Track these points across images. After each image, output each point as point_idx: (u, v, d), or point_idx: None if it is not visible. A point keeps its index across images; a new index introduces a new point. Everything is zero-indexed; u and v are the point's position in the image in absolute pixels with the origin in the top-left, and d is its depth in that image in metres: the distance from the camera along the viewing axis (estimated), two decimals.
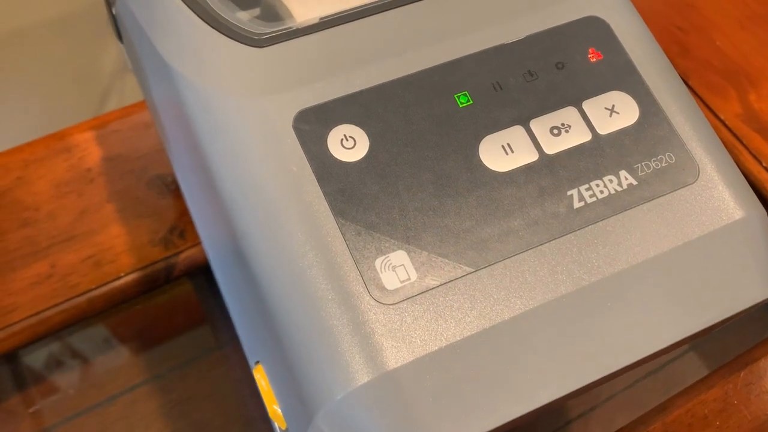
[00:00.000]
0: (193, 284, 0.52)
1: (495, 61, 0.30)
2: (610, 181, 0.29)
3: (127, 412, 0.49)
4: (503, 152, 0.29)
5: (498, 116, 0.29)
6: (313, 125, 0.28)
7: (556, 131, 0.30)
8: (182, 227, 0.45)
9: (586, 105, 0.30)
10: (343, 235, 0.27)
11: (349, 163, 0.28)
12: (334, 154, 0.28)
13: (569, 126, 0.30)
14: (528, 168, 0.29)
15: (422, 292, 0.27)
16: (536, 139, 0.29)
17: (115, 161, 0.47)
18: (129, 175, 0.46)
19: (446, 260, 0.27)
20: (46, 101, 0.87)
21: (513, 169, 0.29)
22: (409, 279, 0.27)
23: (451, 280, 0.27)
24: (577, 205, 0.28)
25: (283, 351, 0.27)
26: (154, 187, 0.45)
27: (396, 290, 0.27)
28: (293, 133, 0.28)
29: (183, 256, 0.44)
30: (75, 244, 0.45)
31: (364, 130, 0.29)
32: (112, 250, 0.45)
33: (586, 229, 0.28)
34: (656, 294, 0.28)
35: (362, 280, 0.26)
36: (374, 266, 0.27)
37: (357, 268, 0.27)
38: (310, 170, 0.28)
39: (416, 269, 0.27)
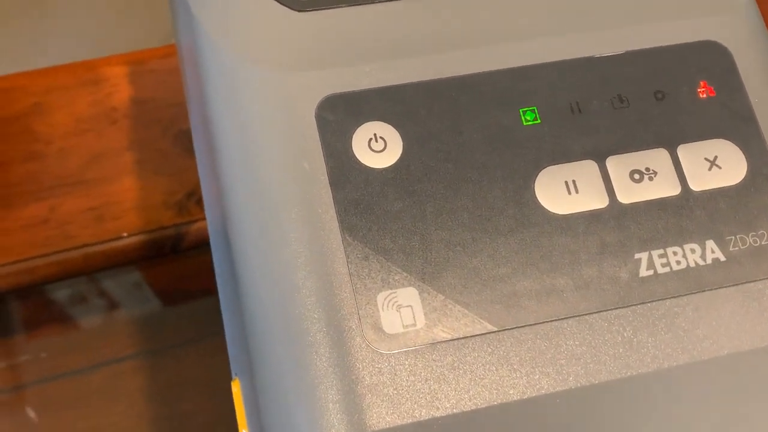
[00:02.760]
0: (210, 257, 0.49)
1: (579, 76, 0.26)
2: (692, 251, 0.25)
3: (109, 385, 0.47)
4: (565, 190, 0.25)
5: (568, 144, 0.26)
6: (339, 116, 0.25)
7: (637, 176, 0.26)
8: (201, 194, 0.42)
9: (682, 150, 0.26)
10: (347, 255, 0.24)
11: (373, 169, 0.25)
12: (357, 156, 0.25)
13: (655, 172, 0.26)
14: (592, 215, 0.25)
15: (427, 345, 0.23)
16: (610, 181, 0.25)
17: (145, 105, 0.45)
18: (156, 125, 0.44)
19: (465, 311, 0.24)
20: (115, 18, 0.85)
21: (573, 214, 0.25)
22: (414, 325, 0.23)
23: (466, 337, 0.24)
24: (644, 273, 0.25)
25: (254, 377, 0.25)
26: (180, 143, 0.43)
27: (396, 336, 0.23)
28: (314, 121, 0.25)
29: (196, 226, 0.42)
30: (81, 191, 0.43)
31: (399, 132, 0.25)
32: (120, 205, 0.42)
33: (650, 305, 0.24)
34: (720, 403, 0.24)
35: (357, 315, 0.23)
36: (375, 301, 0.24)
37: (354, 300, 0.23)
38: (325, 170, 0.25)
39: (426, 314, 0.24)
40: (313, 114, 0.25)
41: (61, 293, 0.47)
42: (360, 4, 0.27)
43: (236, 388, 0.28)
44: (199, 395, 0.46)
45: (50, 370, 0.46)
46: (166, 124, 0.44)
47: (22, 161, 0.43)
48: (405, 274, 0.24)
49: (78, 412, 0.45)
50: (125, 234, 0.42)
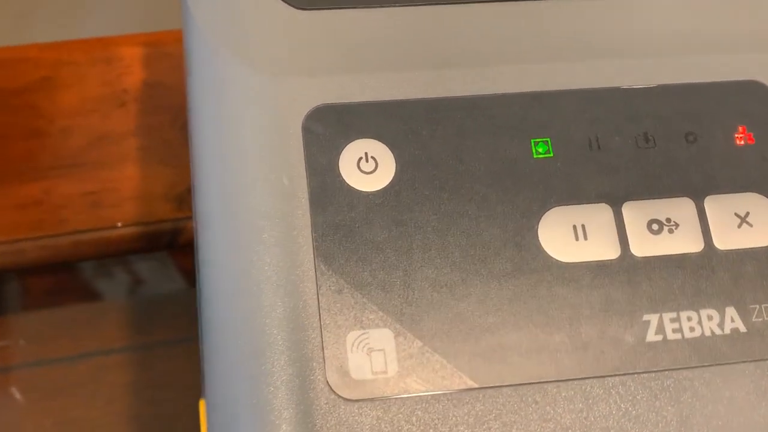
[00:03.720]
0: None
1: (602, 108, 0.24)
2: (709, 317, 0.22)
3: (94, 377, 0.45)
4: (572, 235, 0.22)
5: (582, 184, 0.23)
6: (329, 129, 0.23)
7: (655, 227, 0.23)
8: None
9: (710, 202, 0.23)
10: (319, 286, 0.21)
11: (359, 191, 0.22)
12: (343, 175, 0.22)
13: (676, 224, 0.23)
14: (600, 267, 0.22)
15: (396, 396, 0.21)
16: (625, 229, 0.23)
17: (155, 90, 0.42)
18: (165, 112, 0.42)
19: (444, 361, 0.21)
20: None
21: (579, 262, 0.22)
22: (385, 372, 0.21)
23: (443, 392, 0.21)
24: (651, 337, 0.22)
25: (208, 402, 0.22)
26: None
27: (362, 382, 0.21)
28: (300, 133, 0.22)
29: None
30: (79, 174, 0.41)
31: (393, 152, 0.23)
32: (117, 193, 0.40)
33: (654, 374, 0.22)
34: None
35: (322, 354, 0.21)
36: (344, 341, 0.21)
37: (321, 337, 0.21)
38: (306, 188, 0.22)
39: (399, 361, 0.21)
40: (300, 124, 0.23)
41: (52, 277, 0.45)
42: (369, 7, 0.24)
43: (202, 408, 0.26)
44: (184, 397, 0.44)
45: (35, 355, 0.44)
46: (175, 113, 0.42)
47: (22, 137, 0.41)
48: (381, 314, 0.21)
49: (57, 402, 0.43)
50: (120, 224, 0.40)
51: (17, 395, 0.44)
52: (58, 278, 0.47)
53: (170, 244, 0.41)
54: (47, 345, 0.46)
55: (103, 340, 0.46)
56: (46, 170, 0.41)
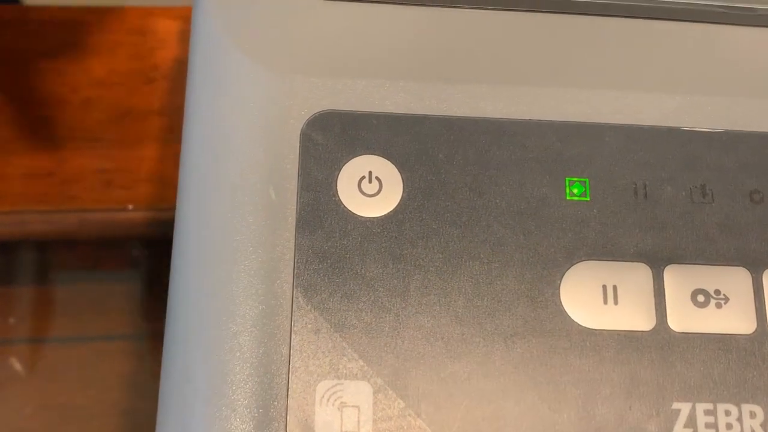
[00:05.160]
0: None
1: (656, 150, 0.20)
2: (752, 414, 0.18)
3: (89, 361, 0.43)
4: (601, 296, 0.19)
5: (620, 237, 0.19)
6: (331, 139, 0.19)
7: (701, 298, 0.19)
8: None
9: None
10: (293, 322, 0.18)
11: (357, 216, 0.19)
12: (340, 195, 0.19)
13: (726, 298, 0.19)
14: (630, 338, 0.19)
15: None
16: (664, 297, 0.19)
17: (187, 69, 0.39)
18: None
19: (428, 430, 0.18)
20: None
21: (604, 330, 0.19)
22: None
23: None
24: (679, 429, 0.18)
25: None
26: None
27: None
28: (298, 140, 0.19)
29: None
30: (95, 149, 0.38)
31: (402, 174, 0.19)
32: (133, 174, 0.38)
33: None
34: None
35: (286, 404, 0.18)
36: (314, 390, 0.18)
37: (287, 382, 0.18)
38: (294, 205, 0.19)
39: (375, 423, 0.18)
40: (299, 130, 0.19)
41: (62, 253, 0.43)
42: (400, 4, 0.21)
43: None
44: None
45: (30, 331, 0.42)
46: None
47: (42, 104, 0.38)
48: (361, 363, 0.18)
49: (47, 384, 0.41)
50: (131, 206, 0.37)
51: (18, 365, 0.42)
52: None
53: None
54: (51, 322, 0.44)
55: (107, 324, 0.43)
56: (61, 141, 0.38)
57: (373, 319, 0.18)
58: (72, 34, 0.41)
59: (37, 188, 0.38)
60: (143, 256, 0.44)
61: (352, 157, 0.19)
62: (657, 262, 0.19)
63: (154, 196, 0.38)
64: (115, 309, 0.44)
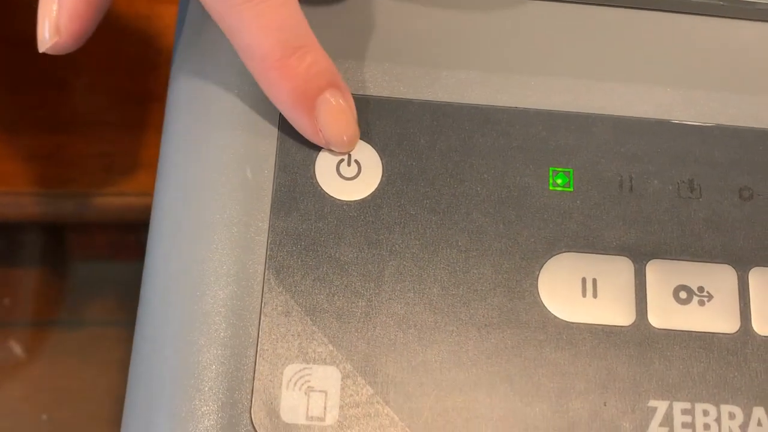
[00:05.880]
0: None
1: (644, 142, 0.20)
2: (731, 415, 0.18)
3: (87, 346, 0.42)
4: (580, 289, 0.18)
5: (602, 230, 0.19)
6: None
7: (684, 294, 0.19)
8: None
9: (756, 276, 0.19)
10: (264, 303, 0.18)
11: (334, 199, 0.19)
12: (318, 177, 0.19)
13: (710, 296, 0.19)
14: (608, 332, 0.18)
15: None
16: (645, 292, 0.19)
17: None
18: None
19: (395, 417, 0.17)
20: None
21: (582, 324, 0.18)
22: (322, 419, 0.17)
23: None
24: (655, 429, 0.18)
25: (125, 411, 0.19)
26: None
27: (293, 427, 0.17)
28: (277, 121, 0.19)
29: None
30: (97, 132, 0.38)
31: (382, 159, 0.19)
32: (133, 159, 0.37)
33: None
34: None
35: (251, 387, 0.17)
36: (280, 374, 0.17)
37: (254, 365, 0.17)
38: (271, 186, 0.19)
39: (341, 409, 0.17)
40: (279, 111, 0.19)
41: (62, 237, 0.43)
42: None
43: None
44: None
45: (31, 314, 0.42)
46: None
47: (44, 85, 0.38)
48: (330, 348, 0.18)
49: (45, 367, 0.41)
50: (129, 192, 0.37)
51: (18, 349, 0.42)
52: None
53: None
54: (44, 305, 0.43)
55: (105, 309, 0.43)
56: (62, 124, 0.38)
57: (346, 304, 0.18)
58: None
59: (35, 170, 0.38)
60: (141, 242, 0.44)
61: None
62: (640, 257, 0.19)
63: (153, 182, 0.38)
64: (114, 295, 0.44)
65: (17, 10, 0.41)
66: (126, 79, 0.39)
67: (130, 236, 0.45)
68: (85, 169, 0.38)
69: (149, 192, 0.38)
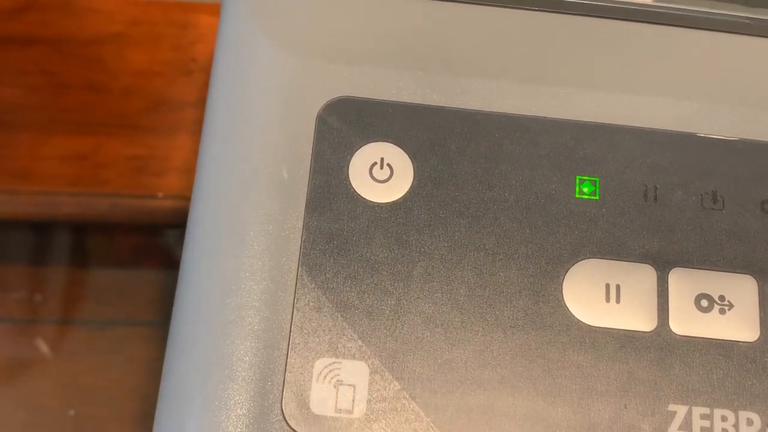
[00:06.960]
0: None
1: (670, 154, 0.20)
2: (749, 422, 0.18)
3: (114, 345, 0.43)
4: (603, 294, 0.19)
5: (627, 237, 0.19)
6: (346, 125, 0.20)
7: (705, 303, 0.19)
8: None
9: None
10: (296, 299, 0.18)
11: (366, 201, 0.19)
12: (351, 179, 0.19)
13: (731, 305, 0.19)
14: (630, 337, 0.19)
15: None
16: (667, 299, 0.19)
17: None
18: None
19: (421, 413, 0.18)
20: None
21: (605, 328, 0.19)
22: (350, 411, 0.18)
23: None
24: (673, 431, 0.18)
25: (159, 405, 0.20)
26: None
27: (321, 419, 0.18)
28: (314, 124, 0.20)
29: None
30: (131, 135, 0.39)
31: (414, 163, 0.20)
32: (166, 162, 0.38)
33: None
34: None
35: (283, 378, 0.18)
36: (311, 367, 0.18)
37: (286, 358, 0.18)
38: (306, 187, 0.19)
39: (369, 403, 0.18)
40: (316, 114, 0.20)
41: (88, 237, 0.43)
42: None
43: None
44: None
45: (57, 312, 0.43)
46: None
47: (83, 88, 0.39)
48: (360, 343, 0.18)
49: (71, 364, 0.42)
50: (161, 194, 0.37)
51: (44, 347, 0.43)
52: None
53: None
54: (71, 303, 0.44)
55: (133, 310, 0.44)
56: (97, 126, 0.39)
57: (375, 302, 0.19)
58: (114, 24, 0.42)
59: (70, 171, 0.38)
60: (170, 244, 0.45)
61: (366, 143, 0.20)
62: (663, 265, 0.19)
63: (184, 185, 0.39)
64: (142, 295, 0.44)
65: (57, 15, 0.42)
66: (160, 85, 0.40)
67: (158, 239, 0.46)
68: (118, 171, 0.38)
69: (180, 194, 0.39)
